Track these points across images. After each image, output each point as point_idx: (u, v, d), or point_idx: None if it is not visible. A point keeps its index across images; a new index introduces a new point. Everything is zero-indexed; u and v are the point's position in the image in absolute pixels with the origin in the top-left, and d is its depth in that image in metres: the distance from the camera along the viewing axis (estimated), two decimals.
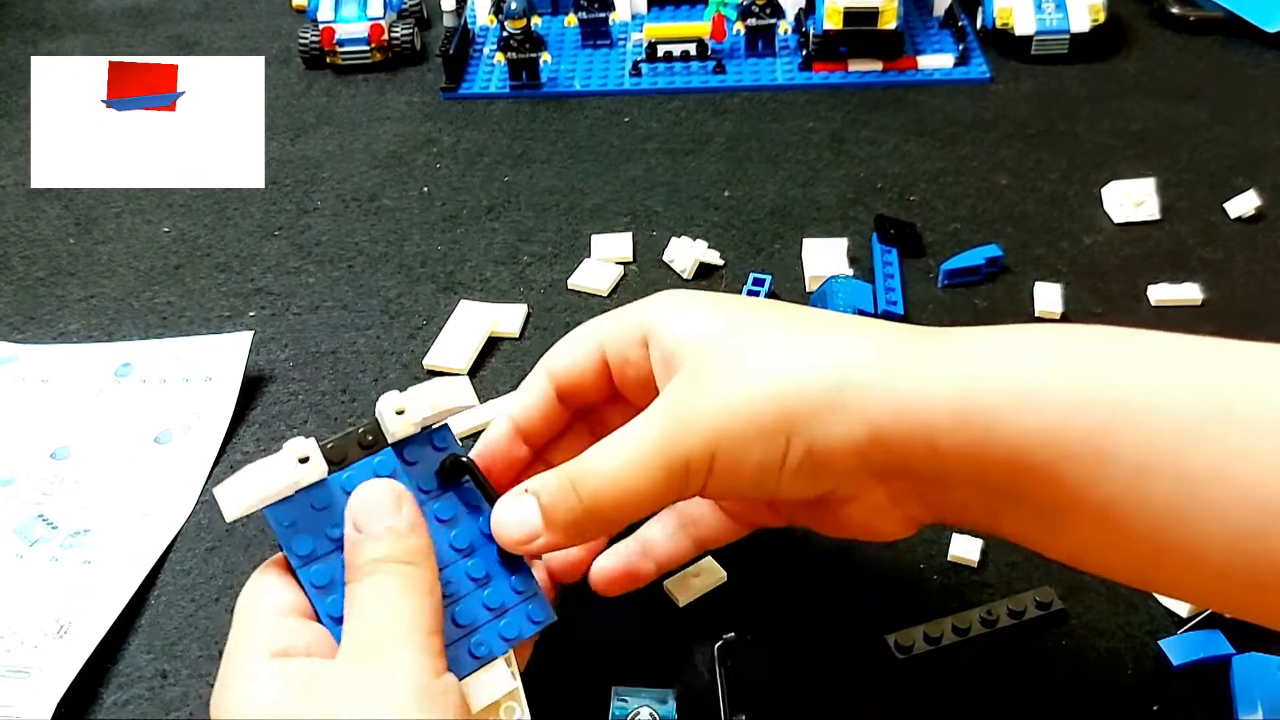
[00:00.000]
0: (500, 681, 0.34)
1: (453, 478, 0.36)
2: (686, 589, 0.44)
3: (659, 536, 0.40)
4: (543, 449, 0.40)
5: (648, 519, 0.40)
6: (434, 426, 0.36)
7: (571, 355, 0.38)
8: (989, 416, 0.30)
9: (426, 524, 0.34)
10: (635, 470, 0.32)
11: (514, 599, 0.35)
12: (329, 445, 0.34)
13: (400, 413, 0.35)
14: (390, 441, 0.35)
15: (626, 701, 0.39)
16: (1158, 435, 0.28)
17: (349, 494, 0.34)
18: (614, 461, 0.33)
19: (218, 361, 0.57)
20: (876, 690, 0.41)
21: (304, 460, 0.33)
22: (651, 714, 0.39)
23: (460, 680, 0.32)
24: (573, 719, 0.40)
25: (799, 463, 0.32)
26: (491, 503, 0.35)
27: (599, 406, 0.39)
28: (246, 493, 0.32)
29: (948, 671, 0.41)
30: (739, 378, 0.32)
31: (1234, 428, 0.27)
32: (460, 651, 0.33)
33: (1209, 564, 0.28)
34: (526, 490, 0.34)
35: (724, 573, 0.45)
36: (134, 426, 0.54)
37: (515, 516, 0.34)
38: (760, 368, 0.32)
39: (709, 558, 0.45)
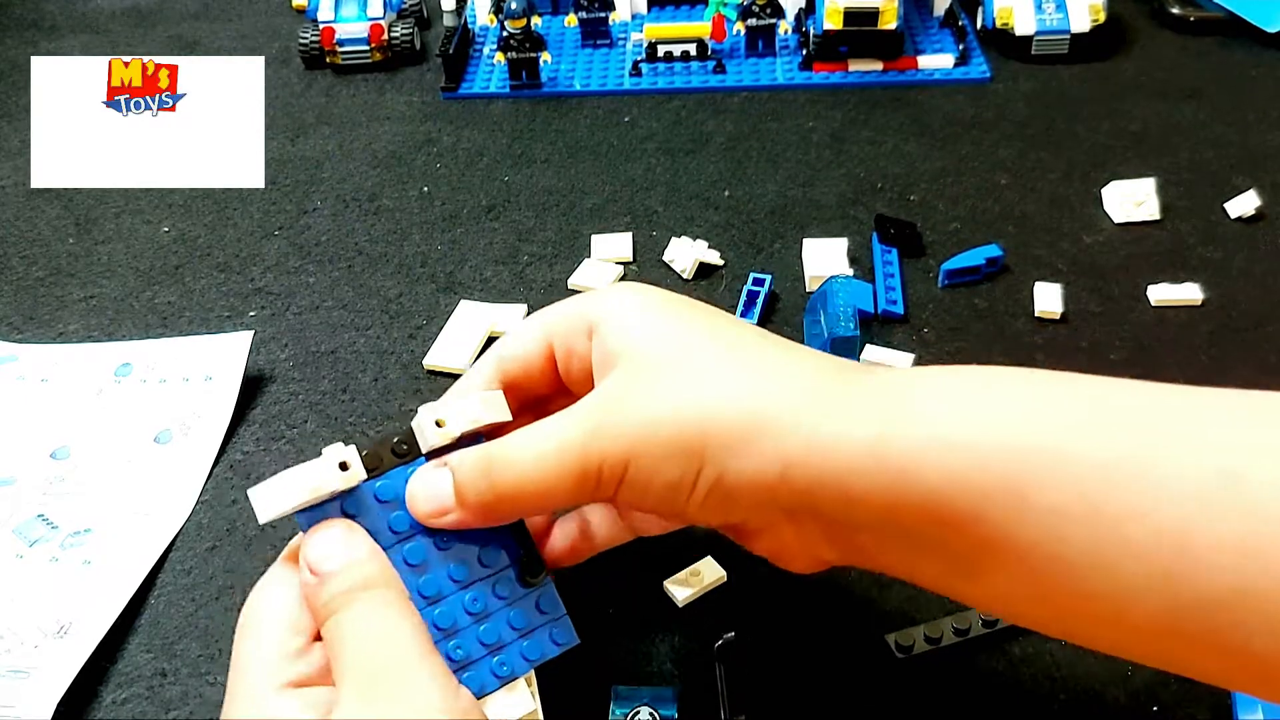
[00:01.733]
0: (520, 703, 0.34)
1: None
2: (686, 589, 0.44)
3: (595, 521, 0.40)
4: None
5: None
6: (467, 437, 0.36)
7: (518, 344, 0.38)
8: (904, 461, 0.29)
9: (457, 538, 0.34)
10: (549, 466, 0.32)
11: (539, 619, 0.35)
12: (365, 453, 0.34)
13: (440, 425, 0.35)
14: (424, 451, 0.35)
15: (626, 701, 0.39)
16: (1074, 480, 0.27)
17: (381, 501, 0.34)
18: (530, 453, 0.33)
19: (218, 361, 0.57)
20: (876, 690, 0.41)
21: (344, 467, 0.33)
22: (651, 714, 0.39)
23: (480, 700, 0.32)
24: (573, 719, 0.40)
25: (708, 490, 0.32)
26: (520, 523, 0.36)
27: (545, 399, 0.39)
28: (283, 497, 0.32)
29: (948, 671, 0.41)
30: (664, 394, 0.32)
31: (1151, 470, 0.27)
32: (483, 670, 0.34)
33: (1129, 612, 0.27)
34: (445, 463, 0.34)
35: (724, 573, 0.45)
36: (134, 426, 0.54)
37: (429, 489, 0.34)
38: (686, 389, 0.32)
39: (709, 557, 0.45)
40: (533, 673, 0.35)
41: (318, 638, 0.33)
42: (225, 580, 0.46)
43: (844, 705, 0.40)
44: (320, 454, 0.33)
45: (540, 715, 0.34)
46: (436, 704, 0.30)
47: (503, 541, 0.35)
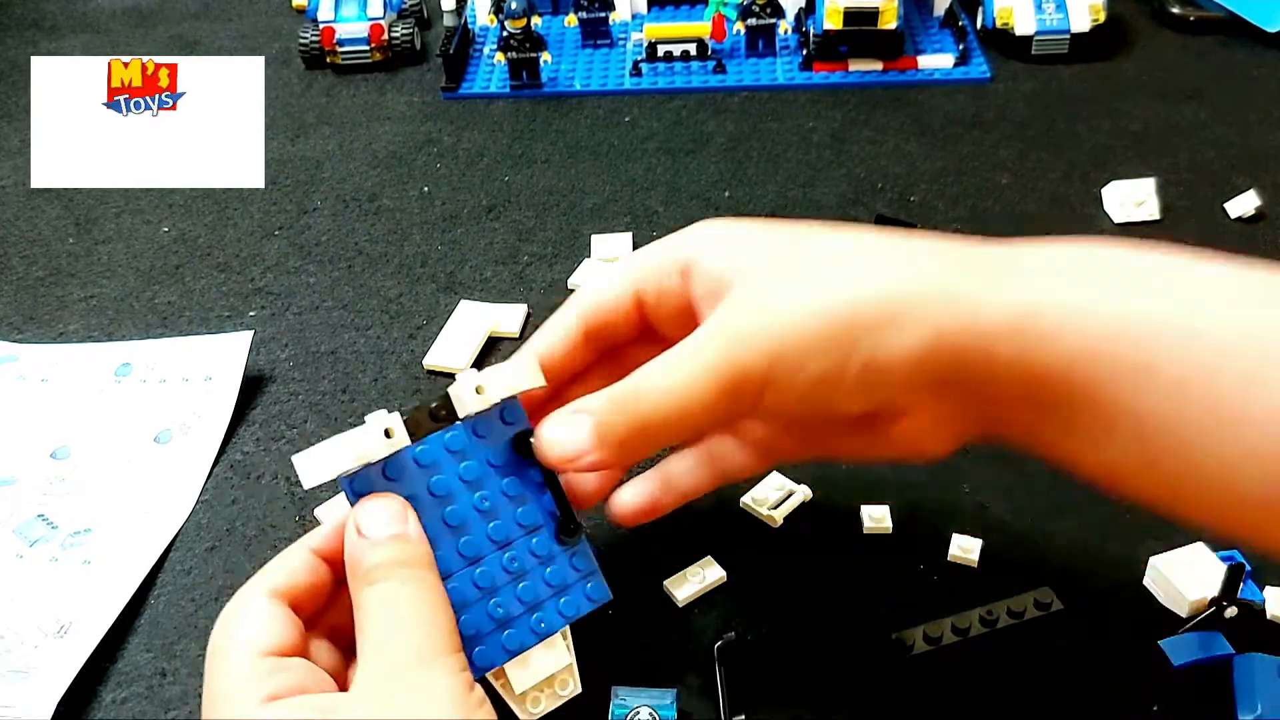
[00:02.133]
0: (558, 657, 0.35)
1: (525, 452, 0.36)
2: (686, 589, 0.44)
3: (680, 469, 0.39)
4: (561, 388, 0.39)
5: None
6: (503, 402, 0.36)
7: (604, 292, 0.38)
8: (1042, 329, 0.30)
9: (495, 499, 0.35)
10: (690, 386, 0.32)
11: (574, 576, 0.36)
12: (406, 419, 0.35)
13: (480, 391, 0.35)
14: (461, 416, 0.36)
15: (626, 701, 0.39)
16: (1197, 354, 0.29)
17: (420, 466, 0.34)
18: (668, 378, 0.33)
19: (218, 361, 0.57)
20: (876, 690, 0.41)
21: (389, 434, 0.34)
22: (651, 714, 0.39)
23: (519, 655, 0.34)
24: (573, 719, 0.40)
25: (858, 374, 0.32)
26: (550, 482, 0.36)
27: (625, 346, 0.39)
28: (328, 462, 0.33)
29: (948, 671, 0.41)
30: (798, 294, 0.32)
31: (1271, 345, 0.28)
32: (523, 629, 0.34)
33: (1239, 485, 0.29)
34: (577, 410, 0.34)
35: (724, 573, 0.45)
36: (134, 426, 0.54)
37: (564, 434, 0.34)
38: (820, 284, 0.32)
39: (709, 557, 0.45)
40: (568, 627, 0.36)
41: (297, 652, 0.32)
42: (225, 580, 0.46)
43: (844, 705, 0.40)
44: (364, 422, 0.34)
45: (575, 668, 0.35)
46: (451, 703, 0.29)
47: (540, 502, 0.36)
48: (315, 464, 0.33)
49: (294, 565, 0.34)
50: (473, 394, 0.35)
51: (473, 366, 0.57)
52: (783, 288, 0.33)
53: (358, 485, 0.34)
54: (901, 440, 0.35)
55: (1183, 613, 0.42)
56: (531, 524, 0.36)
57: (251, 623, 0.32)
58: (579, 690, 0.35)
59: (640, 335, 0.38)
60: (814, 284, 0.32)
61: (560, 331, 0.38)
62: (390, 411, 0.34)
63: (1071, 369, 0.30)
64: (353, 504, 0.33)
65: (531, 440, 0.35)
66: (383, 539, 0.32)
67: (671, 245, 0.37)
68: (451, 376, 0.54)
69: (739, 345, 0.32)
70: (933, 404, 0.33)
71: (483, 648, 0.34)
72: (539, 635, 0.35)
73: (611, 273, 0.38)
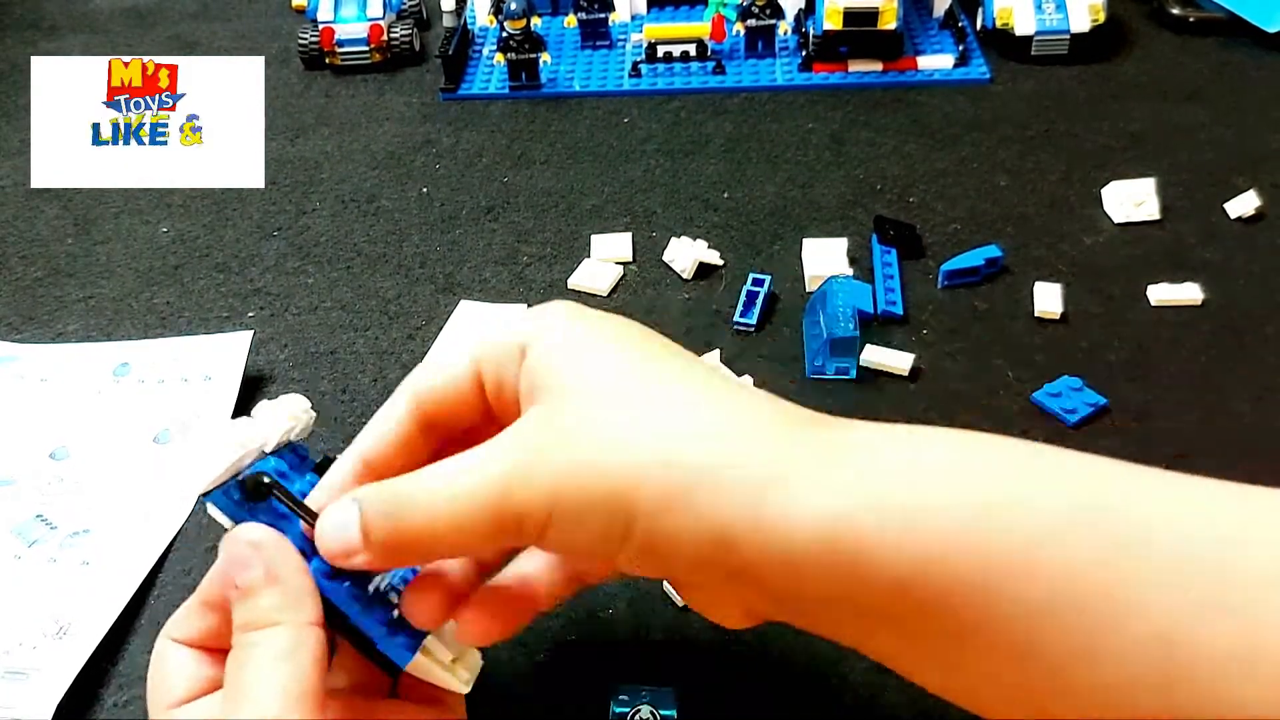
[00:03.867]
0: (445, 648, 0.34)
1: (257, 497, 0.33)
2: None
3: (539, 576, 0.34)
4: None
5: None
6: (295, 441, 0.36)
7: (439, 374, 0.34)
8: (861, 546, 0.26)
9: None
10: (463, 510, 0.29)
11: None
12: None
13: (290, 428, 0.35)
14: (269, 451, 0.35)
15: (626, 701, 0.39)
16: (1059, 568, 0.24)
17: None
18: (442, 495, 0.29)
19: (217, 361, 0.57)
20: (876, 690, 0.41)
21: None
22: (652, 713, 0.39)
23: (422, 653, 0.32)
24: (573, 719, 0.40)
25: (639, 548, 0.28)
26: (297, 512, 0.33)
27: (469, 434, 0.34)
28: (218, 465, 0.33)
29: None
30: (591, 439, 0.29)
31: (1142, 563, 0.24)
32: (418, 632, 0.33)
33: (1118, 710, 0.24)
34: (355, 498, 0.31)
35: None
36: (133, 426, 0.54)
37: (336, 528, 0.31)
38: (615, 434, 0.29)
39: None
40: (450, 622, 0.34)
41: (207, 689, 0.32)
42: None
43: (844, 706, 0.40)
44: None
45: (472, 656, 0.34)
46: None
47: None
48: (207, 472, 0.32)
49: (191, 610, 0.34)
50: (271, 435, 0.35)
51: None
52: (585, 429, 0.29)
53: (232, 493, 0.33)
54: (700, 608, 0.32)
55: None
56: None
57: (159, 679, 0.33)
58: (481, 660, 0.34)
59: (485, 421, 0.34)
60: (612, 436, 0.29)
61: (390, 424, 0.34)
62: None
63: (895, 589, 0.26)
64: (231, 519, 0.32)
65: (265, 481, 0.33)
66: (256, 587, 0.31)
67: (516, 323, 0.33)
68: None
69: (519, 481, 0.29)
70: (728, 589, 0.30)
71: (402, 636, 0.32)
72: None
73: (451, 352, 0.34)
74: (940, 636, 0.26)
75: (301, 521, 0.32)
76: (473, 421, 0.34)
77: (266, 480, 0.33)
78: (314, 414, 0.35)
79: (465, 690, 0.33)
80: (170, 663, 0.33)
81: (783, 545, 0.27)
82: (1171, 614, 0.23)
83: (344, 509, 0.30)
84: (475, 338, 0.34)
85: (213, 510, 0.33)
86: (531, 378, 0.31)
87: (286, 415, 0.35)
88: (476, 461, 0.30)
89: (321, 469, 0.35)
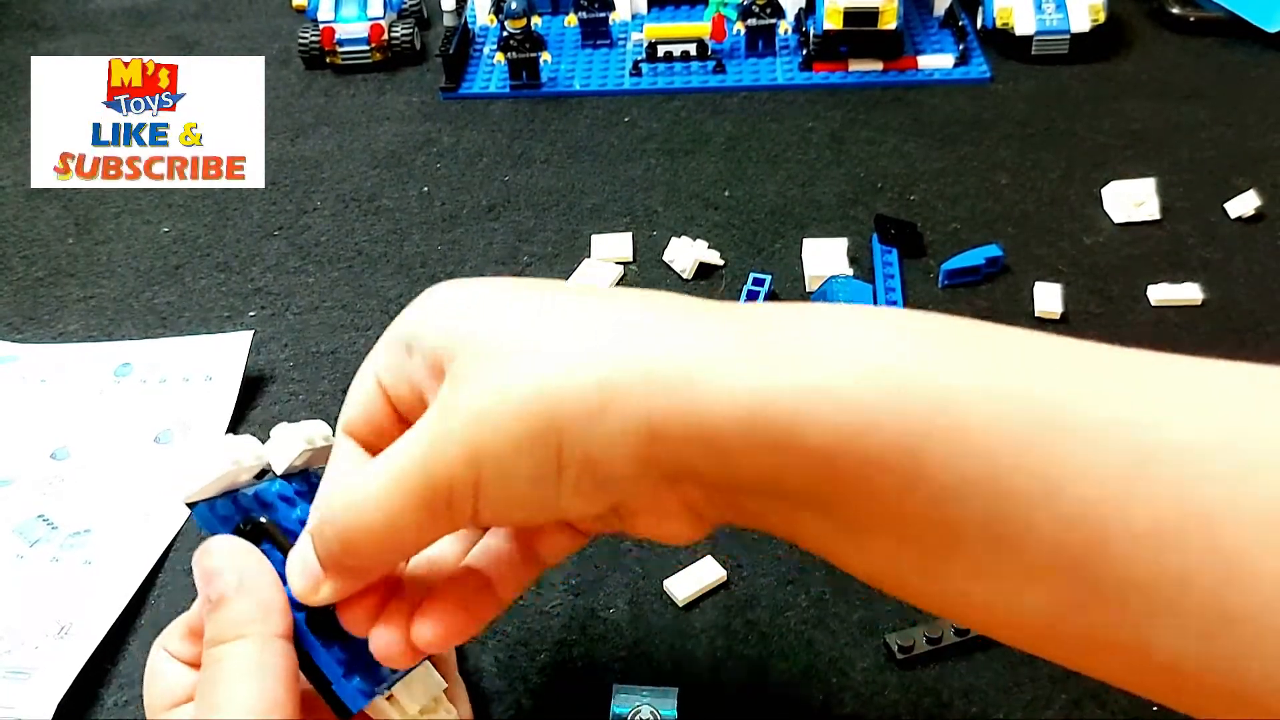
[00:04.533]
0: (432, 679, 0.33)
1: (253, 539, 0.32)
2: (686, 589, 0.44)
3: (492, 564, 0.33)
4: None
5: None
6: (312, 470, 0.35)
7: (356, 400, 0.32)
8: (786, 419, 0.25)
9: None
10: (390, 498, 0.28)
11: None
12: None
13: (303, 453, 0.34)
14: (280, 473, 0.34)
15: (626, 701, 0.39)
16: (980, 445, 0.24)
17: (262, 504, 0.33)
18: (367, 490, 0.28)
19: (217, 361, 0.57)
20: (876, 690, 0.41)
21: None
22: (652, 713, 0.39)
23: (402, 678, 0.32)
24: (573, 719, 0.40)
25: (577, 472, 0.27)
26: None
27: None
28: (206, 475, 0.32)
29: (948, 671, 0.41)
30: (498, 380, 0.27)
31: (1065, 440, 0.23)
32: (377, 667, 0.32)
33: (1023, 595, 0.24)
34: (308, 529, 0.30)
35: (724, 572, 0.45)
36: (134, 426, 0.54)
37: (296, 562, 0.30)
38: (522, 367, 0.27)
39: (708, 557, 0.45)
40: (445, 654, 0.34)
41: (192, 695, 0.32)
42: None
43: (844, 706, 0.40)
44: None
45: (459, 688, 0.34)
46: None
47: None
48: (196, 479, 0.32)
49: (178, 632, 0.34)
50: (283, 458, 0.34)
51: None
52: (490, 373, 0.27)
53: (220, 509, 0.32)
54: (650, 532, 0.30)
55: None
56: None
57: (152, 682, 0.33)
58: (457, 715, 0.34)
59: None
60: (522, 368, 0.27)
61: (343, 465, 0.32)
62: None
63: (818, 461, 0.25)
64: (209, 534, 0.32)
65: (262, 523, 0.33)
66: (229, 597, 0.30)
67: (397, 324, 0.31)
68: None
69: (438, 448, 0.27)
70: (670, 495, 0.28)
71: (358, 678, 0.31)
72: (398, 671, 0.33)
73: (358, 377, 0.33)
74: (862, 513, 0.26)
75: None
76: (404, 429, 0.32)
77: (264, 521, 0.32)
78: (333, 441, 0.34)
79: None
80: (162, 670, 0.33)
81: (711, 429, 0.26)
82: (1093, 493, 0.23)
83: (301, 542, 0.30)
84: (369, 357, 0.32)
85: (197, 520, 0.32)
86: (425, 363, 0.30)
87: (302, 439, 0.34)
88: (395, 449, 0.28)
89: (251, 535, 0.33)
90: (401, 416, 0.32)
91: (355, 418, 0.32)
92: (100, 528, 0.49)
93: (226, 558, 0.31)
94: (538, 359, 0.27)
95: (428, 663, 0.34)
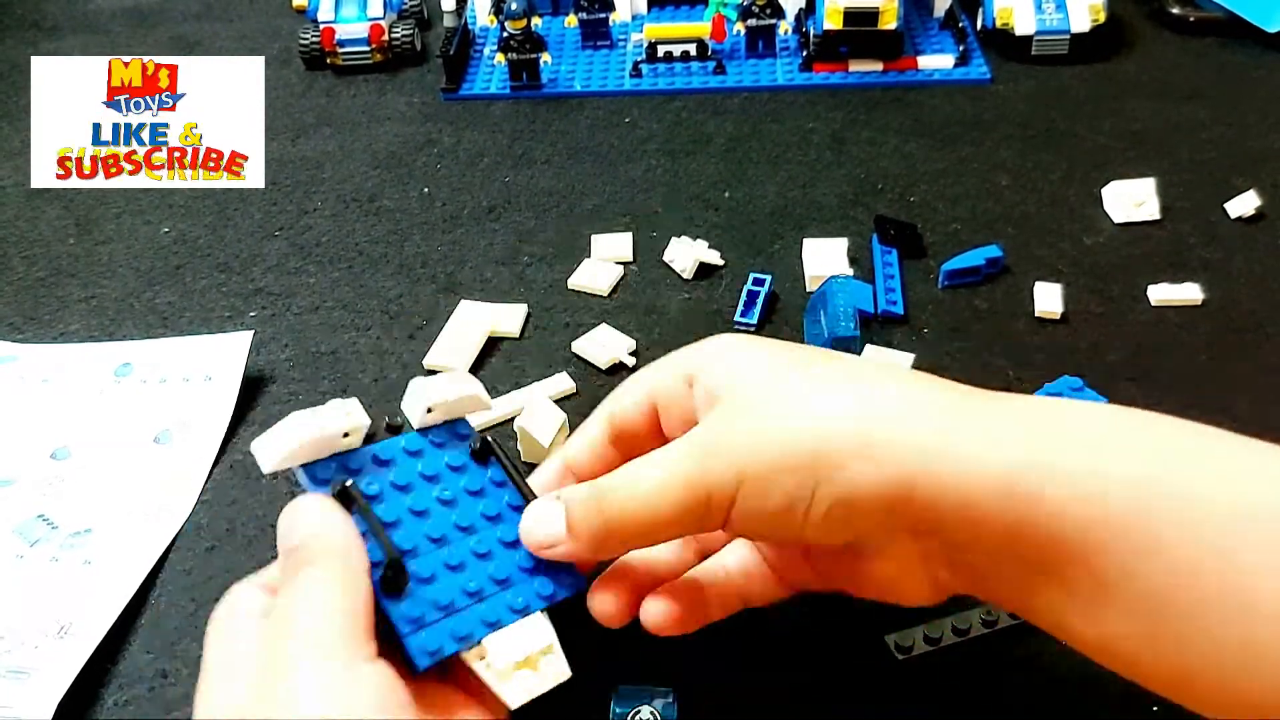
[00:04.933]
0: (539, 635, 0.34)
1: (482, 458, 0.38)
2: None
3: (711, 591, 0.38)
4: None
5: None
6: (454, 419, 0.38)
7: (622, 399, 0.39)
8: (1036, 494, 0.29)
9: (457, 493, 0.36)
10: (659, 493, 0.33)
11: (545, 565, 0.36)
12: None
13: (430, 411, 0.37)
14: (416, 428, 0.37)
15: (626, 701, 0.39)
16: (1210, 527, 0.27)
17: (380, 462, 0.35)
18: (639, 482, 0.34)
19: (218, 361, 0.57)
20: (876, 690, 0.41)
21: (345, 436, 0.35)
22: (652, 714, 0.39)
23: (498, 632, 0.33)
24: (573, 719, 0.40)
25: (827, 507, 0.31)
26: (514, 477, 0.37)
27: (646, 447, 0.38)
28: (287, 442, 0.33)
29: (948, 671, 0.41)
30: (771, 418, 0.33)
31: (1251, 535, 0.27)
32: (498, 605, 0.34)
33: (1255, 674, 0.27)
34: (558, 497, 0.35)
35: None
36: (134, 426, 0.54)
37: (542, 521, 0.35)
38: (800, 408, 0.33)
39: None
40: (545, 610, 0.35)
41: None
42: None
43: (844, 706, 0.40)
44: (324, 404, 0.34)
45: (558, 646, 0.34)
46: (328, 695, 0.29)
47: (500, 497, 0.37)
48: (271, 449, 0.33)
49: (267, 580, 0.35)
50: (423, 414, 0.37)
51: (470, 369, 0.57)
52: (765, 408, 0.33)
53: (319, 473, 0.34)
54: (881, 581, 0.34)
55: None
56: (495, 515, 0.36)
57: (258, 601, 0.34)
58: (567, 674, 0.34)
59: (659, 438, 0.39)
60: (793, 408, 0.33)
61: (589, 438, 0.40)
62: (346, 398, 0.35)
63: (1064, 532, 0.29)
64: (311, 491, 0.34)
65: (491, 442, 0.38)
66: (297, 544, 0.32)
67: (681, 357, 0.38)
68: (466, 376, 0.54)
69: (711, 458, 0.33)
70: (909, 546, 0.33)
71: (457, 621, 0.33)
72: (517, 612, 0.34)
73: (630, 382, 0.40)
74: (1097, 583, 0.29)
75: (518, 491, 0.37)
76: (650, 442, 0.38)
77: (348, 485, 0.34)
78: (473, 392, 0.38)
79: (511, 704, 0.33)
80: (241, 590, 0.34)
81: (962, 492, 0.30)
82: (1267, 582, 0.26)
83: (549, 504, 0.35)
84: (647, 371, 0.39)
85: (301, 478, 0.34)
86: (706, 393, 0.36)
87: (434, 397, 0.37)
88: (668, 452, 0.34)
89: (481, 454, 0.38)
90: (657, 426, 0.38)
91: (623, 408, 0.39)
92: (100, 528, 0.49)
93: (309, 514, 0.33)
94: (813, 403, 0.33)
95: (536, 617, 0.35)
